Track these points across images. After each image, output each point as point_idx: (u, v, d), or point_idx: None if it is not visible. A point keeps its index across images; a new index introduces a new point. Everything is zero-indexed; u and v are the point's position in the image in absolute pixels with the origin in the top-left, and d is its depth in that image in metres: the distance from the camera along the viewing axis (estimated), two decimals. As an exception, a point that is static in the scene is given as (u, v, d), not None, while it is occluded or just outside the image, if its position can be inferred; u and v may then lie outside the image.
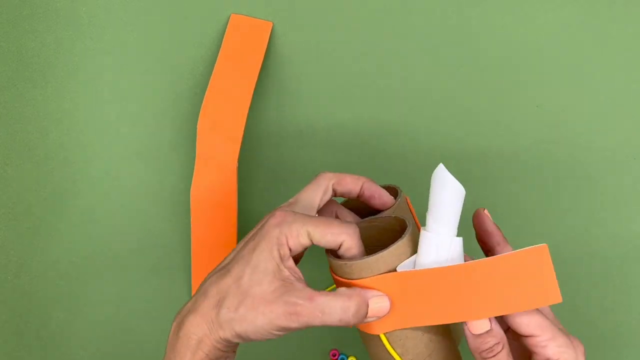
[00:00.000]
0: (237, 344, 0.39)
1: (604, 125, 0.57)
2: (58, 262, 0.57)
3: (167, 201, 0.57)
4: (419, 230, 0.40)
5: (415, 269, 0.39)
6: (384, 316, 0.39)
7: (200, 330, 0.38)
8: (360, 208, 0.47)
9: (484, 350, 0.38)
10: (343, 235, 0.38)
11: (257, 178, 0.58)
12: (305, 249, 0.40)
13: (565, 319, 0.59)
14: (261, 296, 0.37)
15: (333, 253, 0.40)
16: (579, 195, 0.57)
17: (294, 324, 0.37)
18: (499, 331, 0.38)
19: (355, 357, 0.57)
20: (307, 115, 0.57)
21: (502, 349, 0.38)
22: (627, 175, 0.56)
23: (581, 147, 0.57)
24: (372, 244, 0.43)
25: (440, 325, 0.41)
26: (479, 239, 0.43)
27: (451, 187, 0.38)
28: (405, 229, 0.40)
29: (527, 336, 0.38)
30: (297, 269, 0.39)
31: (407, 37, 0.57)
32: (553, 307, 0.59)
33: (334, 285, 0.42)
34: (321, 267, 0.49)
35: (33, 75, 0.56)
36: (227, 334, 0.37)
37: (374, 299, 0.38)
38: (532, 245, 0.37)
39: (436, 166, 0.39)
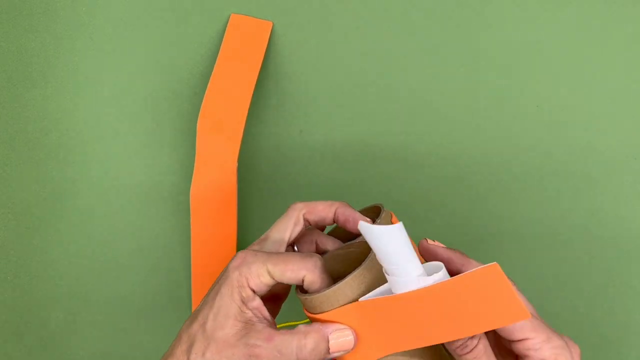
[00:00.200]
0: None
1: (604, 125, 0.57)
2: (58, 262, 0.57)
3: (167, 201, 0.57)
4: (420, 257, 0.39)
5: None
6: (353, 349, 0.38)
7: None
8: (352, 234, 0.45)
9: (458, 347, 0.36)
10: (303, 271, 0.38)
11: (257, 178, 0.58)
12: (286, 286, 0.40)
13: (566, 319, 0.59)
14: (224, 340, 0.38)
15: (301, 288, 0.40)
16: (579, 195, 0.57)
17: None
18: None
19: None
20: (307, 115, 0.57)
21: (478, 343, 0.36)
22: (627, 175, 0.56)
23: (581, 147, 0.57)
24: (351, 271, 0.41)
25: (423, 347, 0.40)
26: None
27: (384, 236, 0.35)
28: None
29: (519, 340, 0.37)
30: (263, 309, 0.39)
31: (407, 37, 0.57)
32: (551, 308, 0.59)
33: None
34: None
35: (33, 75, 0.56)
36: None
37: (335, 334, 0.38)
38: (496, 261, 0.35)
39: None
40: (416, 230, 0.57)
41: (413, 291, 0.36)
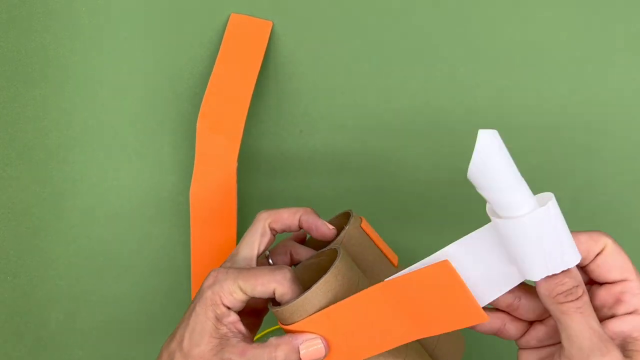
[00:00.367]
0: None
1: (604, 125, 0.57)
2: (57, 262, 0.57)
3: (167, 201, 0.57)
4: (392, 260, 0.40)
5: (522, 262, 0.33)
6: (326, 356, 0.39)
7: None
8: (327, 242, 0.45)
9: (559, 294, 0.33)
10: (273, 284, 0.39)
11: (257, 178, 0.58)
12: (264, 299, 0.41)
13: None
14: (200, 356, 0.39)
15: (274, 301, 0.40)
16: (579, 195, 0.57)
17: None
18: (577, 274, 0.34)
19: None
20: (307, 115, 0.57)
21: (584, 294, 0.33)
22: (627, 175, 0.56)
23: (581, 147, 0.57)
24: None
25: (403, 346, 0.40)
26: None
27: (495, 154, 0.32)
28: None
29: (614, 282, 0.34)
30: (238, 324, 0.40)
31: (407, 36, 0.57)
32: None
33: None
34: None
35: (32, 75, 0.56)
36: None
37: (305, 344, 0.38)
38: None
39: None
40: (415, 230, 0.58)
41: (370, 289, 0.36)
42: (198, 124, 0.54)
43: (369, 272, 0.43)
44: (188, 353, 0.39)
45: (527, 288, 0.37)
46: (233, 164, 0.54)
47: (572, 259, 0.33)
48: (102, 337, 0.58)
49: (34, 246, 0.57)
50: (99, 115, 0.57)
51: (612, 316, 0.35)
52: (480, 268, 0.35)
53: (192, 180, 0.54)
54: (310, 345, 0.38)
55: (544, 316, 0.38)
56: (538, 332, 0.38)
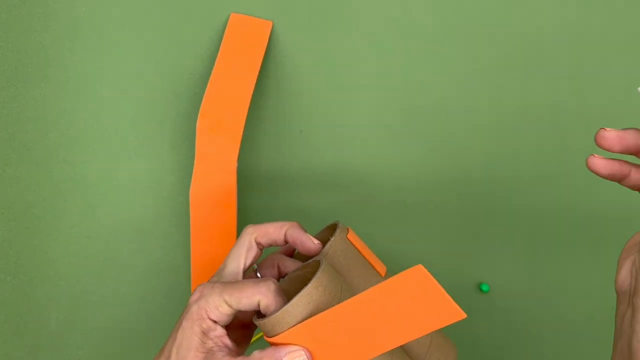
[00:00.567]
0: None
1: (604, 125, 0.57)
2: (57, 262, 0.57)
3: (167, 201, 0.57)
4: (379, 270, 0.40)
5: None
6: None
7: None
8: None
9: None
10: (257, 296, 0.39)
11: (257, 178, 0.58)
12: (253, 313, 0.41)
13: (566, 319, 0.59)
14: None
15: (259, 314, 0.41)
16: (579, 195, 0.57)
17: None
18: None
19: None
20: (307, 115, 0.57)
21: None
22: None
23: (581, 147, 0.57)
24: None
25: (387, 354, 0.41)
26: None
27: None
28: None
29: None
30: (224, 338, 0.40)
31: (407, 36, 0.57)
32: (552, 307, 0.59)
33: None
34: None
35: (32, 75, 0.56)
36: None
37: (289, 356, 0.39)
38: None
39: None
40: (415, 230, 0.58)
41: (349, 300, 0.37)
42: (198, 124, 0.54)
43: (355, 282, 0.43)
44: None
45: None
46: (233, 164, 0.54)
47: None
48: (102, 337, 0.58)
49: (34, 246, 0.57)
50: (99, 115, 0.57)
51: None
52: None
53: (192, 180, 0.54)
54: (293, 357, 0.39)
55: None
56: None
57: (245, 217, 0.57)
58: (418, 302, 0.36)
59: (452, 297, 0.40)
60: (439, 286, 0.36)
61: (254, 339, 0.52)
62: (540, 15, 0.56)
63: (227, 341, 0.40)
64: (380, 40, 0.56)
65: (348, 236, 0.45)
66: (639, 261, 0.39)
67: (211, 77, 0.54)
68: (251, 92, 0.54)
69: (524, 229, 0.57)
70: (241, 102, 0.54)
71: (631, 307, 0.38)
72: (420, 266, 0.36)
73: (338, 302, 0.38)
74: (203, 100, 0.54)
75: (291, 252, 0.48)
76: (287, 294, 0.40)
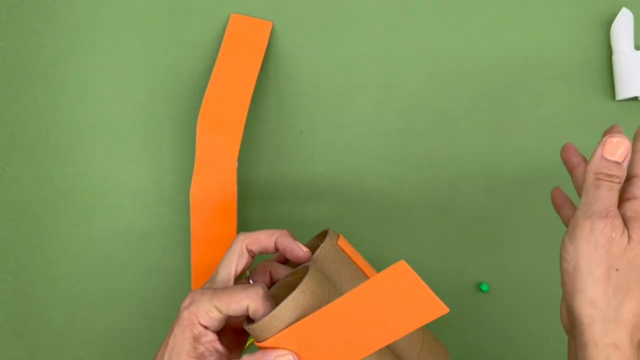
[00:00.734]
0: None
1: (604, 125, 0.57)
2: (58, 262, 0.57)
3: (167, 201, 0.57)
4: (370, 276, 0.40)
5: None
6: None
7: None
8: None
9: (602, 173, 0.40)
10: (246, 301, 0.40)
11: (257, 178, 0.58)
12: (239, 318, 0.42)
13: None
14: None
15: (249, 319, 0.41)
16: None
17: None
18: (624, 172, 0.40)
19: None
20: (307, 115, 0.57)
21: (618, 184, 0.40)
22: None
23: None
24: None
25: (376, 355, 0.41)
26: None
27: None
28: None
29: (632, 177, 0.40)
30: (215, 343, 0.41)
31: (407, 36, 0.57)
32: (551, 307, 0.59)
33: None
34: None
35: (32, 75, 0.56)
36: None
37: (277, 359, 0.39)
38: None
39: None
40: (415, 230, 0.58)
41: (334, 302, 0.37)
42: (198, 124, 0.54)
43: (346, 288, 0.44)
44: None
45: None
46: (233, 164, 0.54)
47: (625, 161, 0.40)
48: (102, 337, 0.58)
49: (34, 246, 0.57)
50: (99, 115, 0.57)
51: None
52: None
53: (192, 180, 0.54)
54: None
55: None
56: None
57: (245, 218, 0.57)
58: (402, 298, 0.37)
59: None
60: (422, 281, 0.36)
61: (248, 343, 0.53)
62: (540, 15, 0.56)
63: (218, 346, 0.41)
64: (380, 40, 0.56)
65: (338, 242, 0.45)
66: (566, 303, 0.42)
67: (211, 77, 0.54)
68: (251, 92, 0.54)
69: (524, 229, 0.57)
70: (241, 102, 0.54)
71: (573, 339, 0.41)
72: (403, 262, 0.36)
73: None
74: (203, 100, 0.54)
75: (284, 259, 0.48)
76: (277, 300, 0.40)
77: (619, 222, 0.39)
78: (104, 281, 0.57)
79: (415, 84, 0.57)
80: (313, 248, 0.45)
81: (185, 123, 0.57)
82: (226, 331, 0.43)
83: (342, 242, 0.45)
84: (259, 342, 0.40)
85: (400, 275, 0.36)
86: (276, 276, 0.46)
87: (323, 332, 0.38)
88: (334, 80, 0.57)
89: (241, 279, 0.46)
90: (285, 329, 0.38)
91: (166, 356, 0.41)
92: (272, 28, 0.56)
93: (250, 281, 0.46)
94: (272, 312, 0.38)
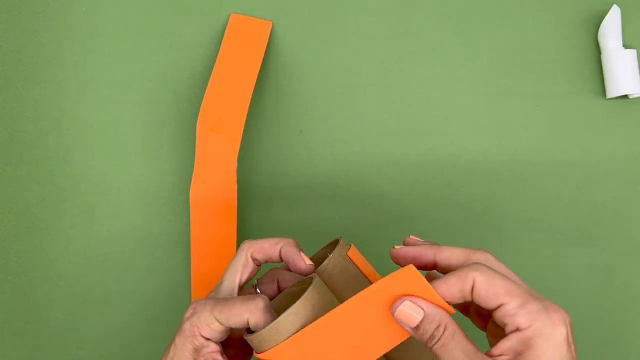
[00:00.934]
0: None
1: (604, 125, 0.57)
2: (58, 262, 0.57)
3: (167, 201, 0.57)
4: (372, 282, 0.40)
5: None
6: None
7: None
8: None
9: (427, 340, 0.36)
10: (246, 314, 0.39)
11: (257, 178, 0.58)
12: (241, 330, 0.42)
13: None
14: None
15: (250, 331, 0.41)
16: (579, 195, 0.57)
17: None
18: (435, 313, 0.36)
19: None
20: (307, 115, 0.57)
21: (445, 330, 0.36)
22: (627, 175, 0.56)
23: (581, 147, 0.57)
24: None
25: None
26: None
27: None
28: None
29: (495, 309, 0.36)
30: (217, 354, 0.41)
31: (407, 36, 0.57)
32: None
33: None
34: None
35: (32, 75, 0.56)
36: None
37: None
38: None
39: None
40: (415, 230, 0.58)
41: (341, 306, 0.37)
42: (198, 124, 0.54)
43: None
44: None
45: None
46: (233, 164, 0.54)
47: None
48: (102, 337, 0.58)
49: (34, 246, 0.57)
50: (99, 115, 0.57)
51: (505, 335, 0.37)
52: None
53: (192, 180, 0.54)
54: None
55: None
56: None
57: (245, 218, 0.57)
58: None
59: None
60: (430, 287, 0.35)
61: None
62: (539, 15, 0.56)
63: (220, 358, 0.41)
64: (380, 40, 0.56)
65: (349, 253, 0.44)
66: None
67: (211, 77, 0.55)
68: (251, 92, 0.54)
69: (524, 229, 0.57)
70: (241, 102, 0.54)
71: None
72: (412, 266, 0.35)
73: None
74: (203, 100, 0.54)
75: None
76: (282, 310, 0.40)
77: None
78: (104, 281, 0.57)
79: (415, 84, 0.57)
80: (322, 258, 0.44)
81: (185, 123, 0.57)
82: (232, 341, 0.43)
83: (353, 253, 0.44)
84: (259, 353, 0.39)
85: (408, 280, 0.35)
86: (284, 284, 0.45)
87: (326, 341, 0.38)
88: (334, 80, 0.57)
89: (248, 287, 0.45)
90: (286, 341, 0.38)
91: None
92: (272, 28, 0.56)
93: (258, 290, 0.45)
94: (271, 324, 0.38)
